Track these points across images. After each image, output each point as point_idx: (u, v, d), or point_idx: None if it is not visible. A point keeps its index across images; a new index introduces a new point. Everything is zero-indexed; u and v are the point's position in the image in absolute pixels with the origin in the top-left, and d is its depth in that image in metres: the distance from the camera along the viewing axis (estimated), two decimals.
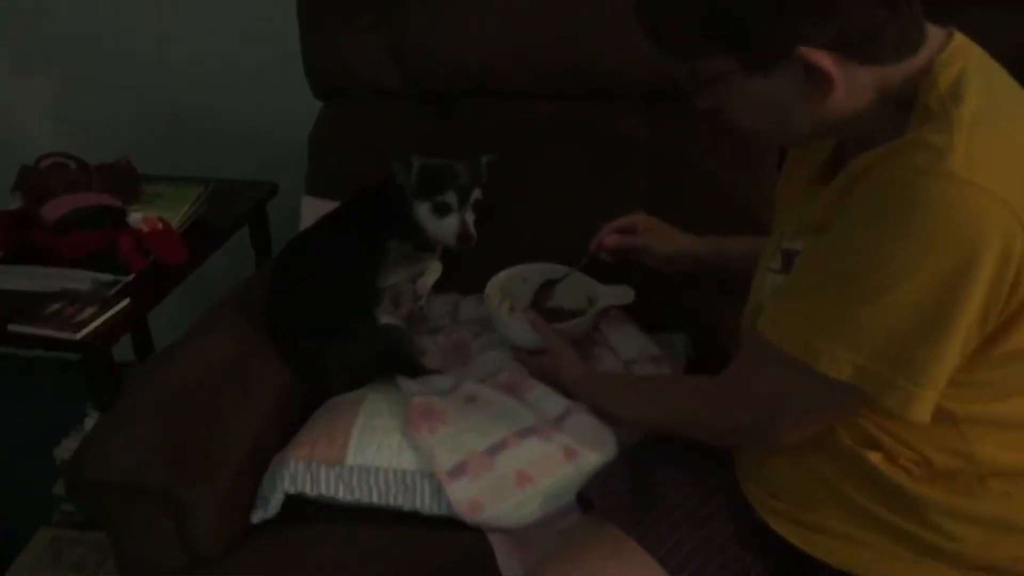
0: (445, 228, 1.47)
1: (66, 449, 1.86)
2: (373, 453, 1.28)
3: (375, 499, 1.27)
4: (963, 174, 0.84)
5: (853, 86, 0.94)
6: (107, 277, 1.57)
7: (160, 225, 1.61)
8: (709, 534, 1.12)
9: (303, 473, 1.27)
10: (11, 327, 1.48)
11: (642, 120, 1.69)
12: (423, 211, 1.47)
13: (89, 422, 1.84)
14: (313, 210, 1.67)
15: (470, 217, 1.47)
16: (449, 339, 1.55)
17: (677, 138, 1.66)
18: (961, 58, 0.94)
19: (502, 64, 1.70)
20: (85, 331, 1.45)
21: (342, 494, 1.27)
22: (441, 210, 1.45)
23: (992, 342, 0.91)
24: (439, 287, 1.65)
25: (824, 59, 0.91)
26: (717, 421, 1.11)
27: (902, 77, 0.94)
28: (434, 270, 1.56)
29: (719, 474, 1.18)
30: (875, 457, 1.01)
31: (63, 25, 2.19)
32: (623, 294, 1.50)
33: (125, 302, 1.52)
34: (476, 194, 1.47)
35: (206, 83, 2.19)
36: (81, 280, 1.58)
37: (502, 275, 1.54)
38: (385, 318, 1.48)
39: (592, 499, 1.19)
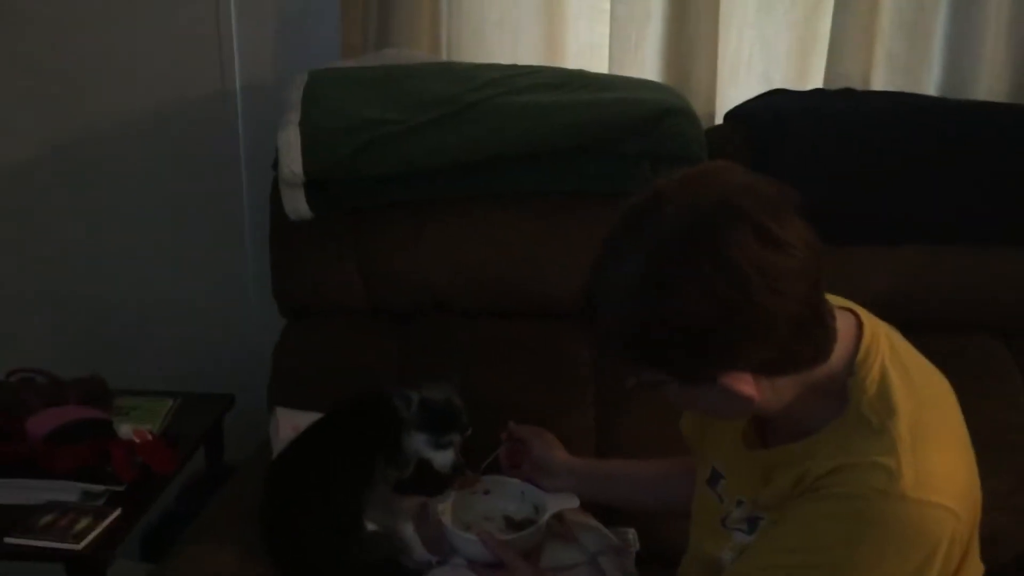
0: (443, 460, 1.55)
1: None
2: None
3: None
4: (913, 494, 1.02)
5: (777, 390, 1.09)
6: (97, 488, 1.63)
7: (150, 436, 1.70)
8: None
9: None
10: (7, 539, 1.52)
11: (585, 339, 1.90)
12: (420, 440, 1.55)
13: None
14: (288, 420, 1.79)
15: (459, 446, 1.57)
16: (426, 535, 1.67)
17: None
18: (875, 353, 1.11)
19: (460, 287, 1.91)
20: (86, 541, 1.51)
21: None
22: (443, 446, 1.55)
23: None
24: (404, 491, 1.77)
25: (744, 383, 1.04)
26: None
27: (824, 374, 1.09)
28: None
29: None
30: None
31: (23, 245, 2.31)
32: (568, 500, 1.60)
33: (118, 512, 1.59)
34: (469, 430, 1.57)
35: (153, 294, 2.33)
36: (70, 491, 1.63)
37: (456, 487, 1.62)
38: (371, 526, 1.58)
39: None
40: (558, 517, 1.63)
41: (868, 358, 1.11)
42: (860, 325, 1.15)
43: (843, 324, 1.11)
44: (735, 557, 1.20)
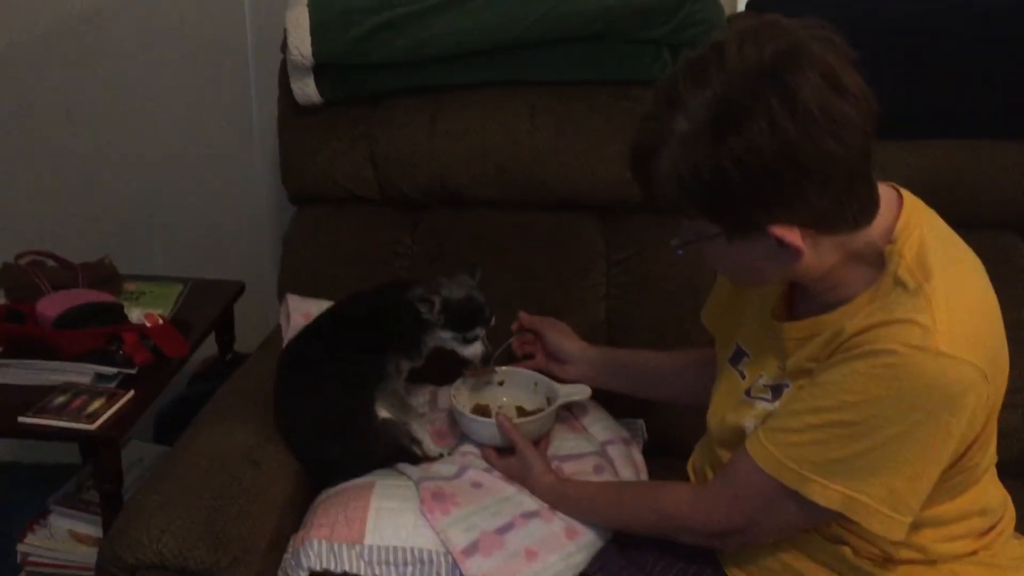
0: (472, 353, 1.58)
1: (30, 544, 1.86)
2: (390, 533, 1.39)
3: None
4: (948, 350, 1.04)
5: (820, 251, 1.11)
6: (110, 370, 1.64)
7: (161, 321, 1.70)
8: None
9: (327, 552, 1.37)
10: (21, 419, 1.54)
11: (598, 231, 1.89)
12: (447, 337, 1.57)
13: (55, 519, 1.86)
14: (299, 307, 1.79)
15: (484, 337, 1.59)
16: (433, 426, 1.69)
17: (629, 249, 1.86)
18: (915, 225, 1.13)
19: (473, 177, 1.88)
20: (99, 421, 1.53)
21: (364, 571, 1.37)
22: (470, 341, 1.57)
23: (951, 466, 1.12)
24: (414, 379, 1.78)
25: (793, 235, 1.06)
26: (706, 525, 1.26)
27: (863, 241, 1.12)
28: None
29: (699, 554, 1.34)
30: (844, 551, 1.21)
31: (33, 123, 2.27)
32: (580, 391, 1.63)
33: (130, 394, 1.60)
34: (492, 320, 1.59)
35: (162, 180, 2.31)
36: (83, 373, 1.64)
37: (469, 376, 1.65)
38: (383, 413, 1.60)
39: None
40: (568, 407, 1.65)
41: (908, 227, 1.13)
42: (901, 199, 1.16)
43: (885, 195, 1.14)
44: (758, 423, 1.20)
